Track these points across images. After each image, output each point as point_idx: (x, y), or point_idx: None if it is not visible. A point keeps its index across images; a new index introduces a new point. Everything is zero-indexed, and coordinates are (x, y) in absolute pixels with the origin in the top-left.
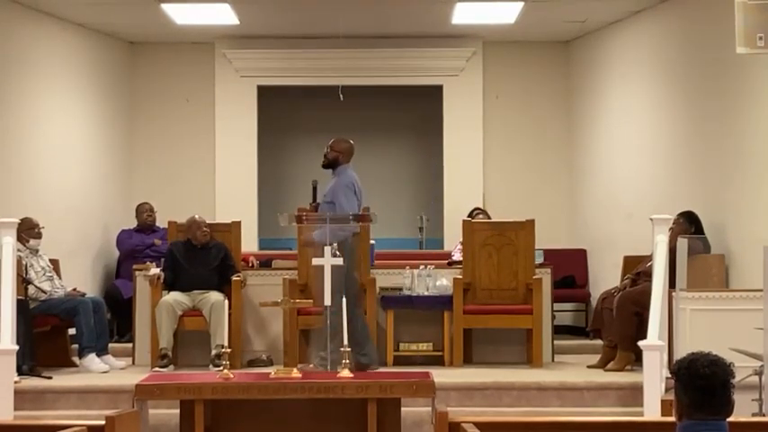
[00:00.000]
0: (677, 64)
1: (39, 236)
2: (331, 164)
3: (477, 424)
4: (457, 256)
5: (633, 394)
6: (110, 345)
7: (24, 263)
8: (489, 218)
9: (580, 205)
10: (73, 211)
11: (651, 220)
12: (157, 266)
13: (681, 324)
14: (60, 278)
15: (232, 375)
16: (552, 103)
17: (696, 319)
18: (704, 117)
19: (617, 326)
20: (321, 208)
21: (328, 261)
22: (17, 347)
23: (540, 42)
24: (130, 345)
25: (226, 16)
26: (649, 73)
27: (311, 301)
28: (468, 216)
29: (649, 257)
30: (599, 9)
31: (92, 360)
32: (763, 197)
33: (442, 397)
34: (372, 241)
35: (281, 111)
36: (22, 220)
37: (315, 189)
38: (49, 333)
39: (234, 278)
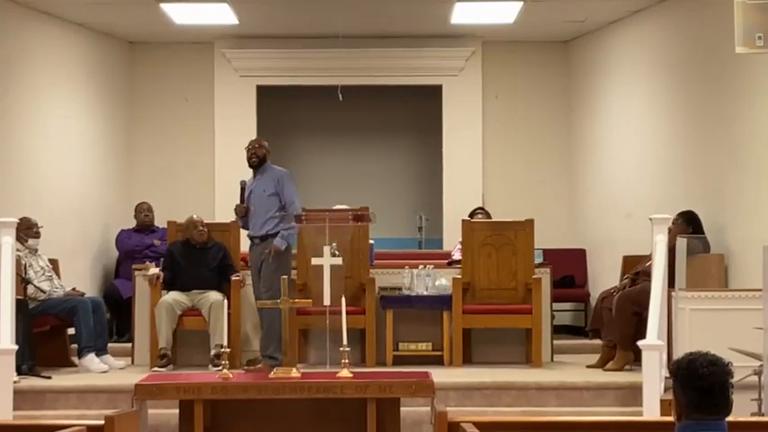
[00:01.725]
0: (676, 63)
1: (37, 235)
2: (261, 161)
3: (476, 424)
4: (456, 256)
5: (632, 394)
6: (109, 344)
7: (23, 262)
8: (490, 217)
9: (579, 205)
10: (72, 210)
11: (650, 219)
12: (156, 266)
13: (680, 324)
14: (60, 278)
15: (231, 375)
16: (551, 103)
17: (695, 318)
18: (703, 117)
19: (616, 325)
20: (260, 202)
21: (327, 261)
22: (16, 347)
23: (539, 42)
24: (130, 345)
25: (225, 16)
26: (649, 72)
27: (310, 300)
28: (470, 215)
29: (648, 257)
30: (598, 9)
31: (91, 360)
32: (762, 196)
33: (441, 397)
34: (371, 241)
35: (280, 110)
36: (20, 219)
37: (243, 189)
38: (49, 333)
39: (233, 278)
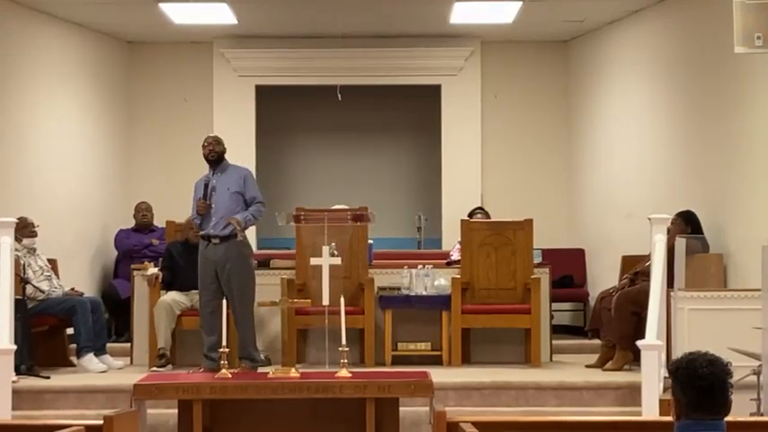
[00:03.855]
0: (676, 63)
1: (34, 234)
2: (220, 158)
3: (475, 424)
4: (455, 256)
5: (631, 394)
6: (108, 344)
7: (22, 262)
8: (489, 217)
9: (578, 205)
10: (71, 210)
11: (649, 219)
12: (155, 266)
13: (679, 324)
14: (58, 278)
15: (230, 375)
16: (551, 103)
17: (694, 318)
18: (703, 116)
19: (615, 325)
20: (224, 199)
21: (326, 261)
22: (15, 347)
23: (538, 42)
24: (128, 344)
25: (224, 16)
26: (648, 72)
27: (309, 300)
28: (469, 215)
29: (648, 257)
30: (597, 8)
31: (90, 360)
32: (761, 196)
33: (440, 397)
34: (371, 241)
35: (279, 110)
36: (17, 218)
37: (206, 186)
38: (47, 333)
39: None
